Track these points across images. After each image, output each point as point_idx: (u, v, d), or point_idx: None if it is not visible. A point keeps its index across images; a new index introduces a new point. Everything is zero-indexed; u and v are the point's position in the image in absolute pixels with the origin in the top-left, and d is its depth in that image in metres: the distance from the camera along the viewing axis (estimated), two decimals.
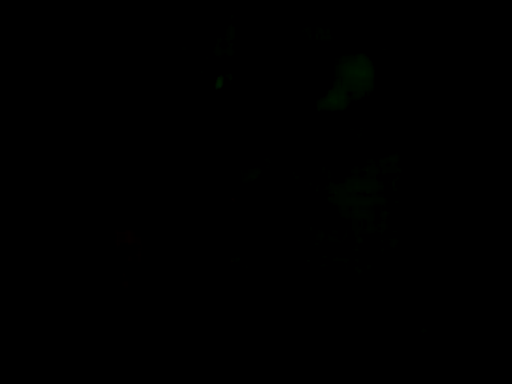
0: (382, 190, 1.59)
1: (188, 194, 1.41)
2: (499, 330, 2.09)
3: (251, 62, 1.42)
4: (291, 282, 1.49)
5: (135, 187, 1.48)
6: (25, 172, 1.51)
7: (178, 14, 1.48)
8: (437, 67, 2.05)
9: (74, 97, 1.47)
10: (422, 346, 1.78)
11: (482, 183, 2.24)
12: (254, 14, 1.45)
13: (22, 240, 1.58)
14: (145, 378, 1.44)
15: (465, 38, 2.11)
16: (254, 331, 1.39)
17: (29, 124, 1.52)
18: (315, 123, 1.47)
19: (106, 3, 1.46)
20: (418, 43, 1.99)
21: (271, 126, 1.37)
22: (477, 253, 2.23)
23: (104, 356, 1.45)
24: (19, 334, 1.57)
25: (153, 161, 1.42)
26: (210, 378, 1.41)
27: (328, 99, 1.51)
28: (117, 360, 1.44)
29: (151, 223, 1.52)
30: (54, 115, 1.50)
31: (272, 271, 1.46)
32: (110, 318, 1.45)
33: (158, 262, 1.51)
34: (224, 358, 1.39)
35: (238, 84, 1.40)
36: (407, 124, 1.70)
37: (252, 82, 1.40)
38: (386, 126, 1.57)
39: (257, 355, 1.41)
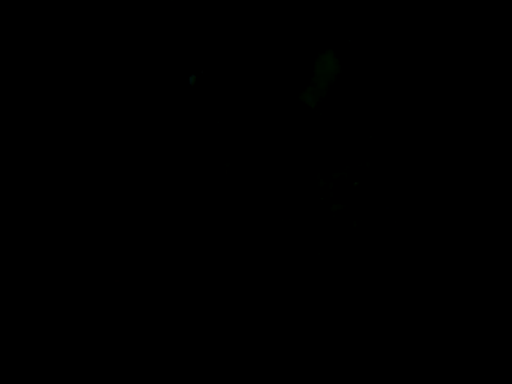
0: (349, 168, 1.63)
1: (167, 192, 1.44)
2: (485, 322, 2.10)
3: (224, 58, 1.47)
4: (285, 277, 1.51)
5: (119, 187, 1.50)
6: (24, 176, 1.52)
7: (152, 10, 1.51)
8: (406, 61, 2.07)
9: (59, 95, 1.50)
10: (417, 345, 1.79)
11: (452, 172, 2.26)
12: (229, 10, 1.49)
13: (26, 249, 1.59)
14: (145, 377, 1.45)
15: (437, 32, 2.13)
16: (251, 326, 1.41)
17: (27, 124, 1.53)
18: (286, 120, 1.51)
19: None
20: (392, 38, 2.00)
21: (243, 123, 1.41)
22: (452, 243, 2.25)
23: (104, 356, 1.45)
24: (19, 334, 1.57)
25: (132, 158, 1.45)
26: (210, 377, 1.41)
27: (299, 95, 1.55)
28: (117, 360, 1.44)
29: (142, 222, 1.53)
30: (43, 115, 1.52)
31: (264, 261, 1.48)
32: (110, 317, 1.45)
33: (158, 261, 1.52)
34: (224, 357, 1.40)
35: (211, 81, 1.44)
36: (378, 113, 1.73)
37: (224, 79, 1.44)
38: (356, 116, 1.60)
39: (257, 354, 1.42)
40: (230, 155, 1.44)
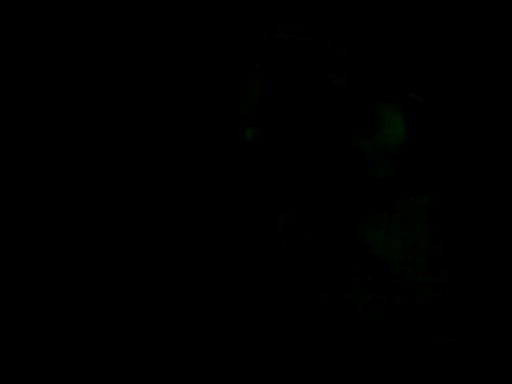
0: (412, 233, 1.57)
1: (217, 246, 1.41)
2: None
3: (278, 113, 1.42)
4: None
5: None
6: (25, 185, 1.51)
7: (202, 65, 1.48)
8: (470, 107, 2.05)
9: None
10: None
11: None
12: (279, 64, 1.45)
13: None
14: (145, 377, 1.43)
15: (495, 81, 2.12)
16: (255, 331, 1.38)
17: (29, 126, 1.51)
18: (341, 169, 1.46)
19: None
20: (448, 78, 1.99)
21: (300, 176, 1.37)
22: None
23: (104, 356, 1.44)
24: (19, 335, 1.56)
25: (184, 211, 1.42)
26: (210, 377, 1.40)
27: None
28: (117, 360, 1.42)
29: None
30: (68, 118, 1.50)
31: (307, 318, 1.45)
32: (109, 317, 1.43)
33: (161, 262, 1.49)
34: (225, 358, 1.38)
35: (268, 136, 1.40)
36: (437, 163, 1.69)
37: (280, 134, 1.40)
38: (416, 167, 1.55)
39: (258, 355, 1.39)
40: (282, 210, 1.40)
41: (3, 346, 1.56)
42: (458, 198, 2.00)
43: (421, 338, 1.55)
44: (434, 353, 1.63)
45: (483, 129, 2.13)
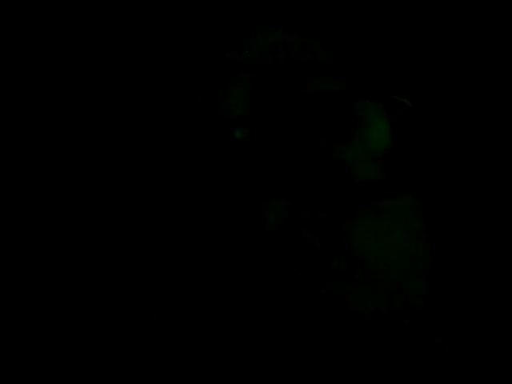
0: (399, 230, 1.58)
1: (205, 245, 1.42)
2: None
3: (267, 113, 1.44)
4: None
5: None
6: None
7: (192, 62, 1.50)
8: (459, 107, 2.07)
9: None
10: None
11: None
12: (268, 68, 1.47)
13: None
14: (144, 377, 1.44)
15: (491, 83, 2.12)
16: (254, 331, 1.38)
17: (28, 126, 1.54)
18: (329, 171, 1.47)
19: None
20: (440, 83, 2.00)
21: (287, 174, 1.38)
22: None
23: (103, 355, 1.45)
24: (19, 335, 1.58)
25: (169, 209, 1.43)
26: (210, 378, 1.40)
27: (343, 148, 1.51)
28: (116, 360, 1.44)
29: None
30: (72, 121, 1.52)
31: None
32: (108, 317, 1.45)
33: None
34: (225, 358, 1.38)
35: (256, 136, 1.42)
36: (424, 164, 1.70)
37: (269, 134, 1.41)
38: (402, 168, 1.56)
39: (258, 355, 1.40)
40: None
41: (3, 345, 1.58)
42: (447, 199, 2.01)
43: (410, 338, 1.56)
44: (424, 352, 1.64)
45: (472, 128, 2.14)
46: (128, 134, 1.51)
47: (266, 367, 1.41)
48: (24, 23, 1.55)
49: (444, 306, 1.72)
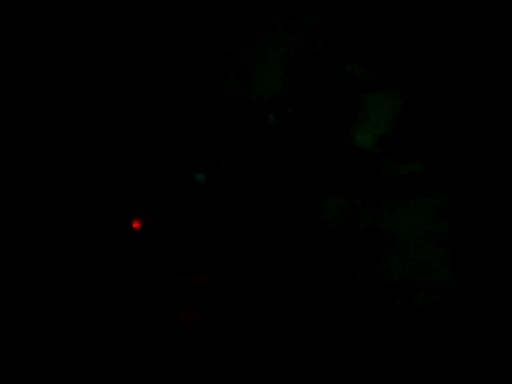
0: (432, 223, 1.64)
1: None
2: None
3: (299, 99, 1.50)
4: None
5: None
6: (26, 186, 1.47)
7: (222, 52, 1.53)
8: (470, 98, 2.05)
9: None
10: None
11: None
12: (301, 54, 1.52)
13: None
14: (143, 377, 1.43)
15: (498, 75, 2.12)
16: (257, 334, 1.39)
17: (29, 125, 1.49)
18: (345, 159, 1.52)
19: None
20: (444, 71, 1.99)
21: (302, 164, 1.44)
22: None
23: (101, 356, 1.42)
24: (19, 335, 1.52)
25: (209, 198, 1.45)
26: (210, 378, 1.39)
27: (353, 137, 1.55)
28: (115, 360, 1.40)
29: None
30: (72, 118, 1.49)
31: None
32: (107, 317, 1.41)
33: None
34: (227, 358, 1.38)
35: (289, 120, 1.47)
36: (452, 156, 1.74)
37: (300, 119, 1.47)
38: (428, 161, 1.62)
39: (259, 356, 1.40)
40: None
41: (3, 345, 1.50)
42: (473, 197, 2.05)
43: (419, 336, 1.59)
44: (432, 352, 1.66)
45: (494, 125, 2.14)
46: (159, 126, 1.53)
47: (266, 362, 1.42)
48: (24, 23, 1.55)
49: (470, 284, 1.73)
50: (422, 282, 1.63)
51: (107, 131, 1.50)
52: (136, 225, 1.57)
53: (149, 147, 1.49)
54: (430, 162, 1.67)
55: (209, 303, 1.51)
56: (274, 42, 1.50)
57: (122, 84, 1.48)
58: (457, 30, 2.03)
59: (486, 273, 2.04)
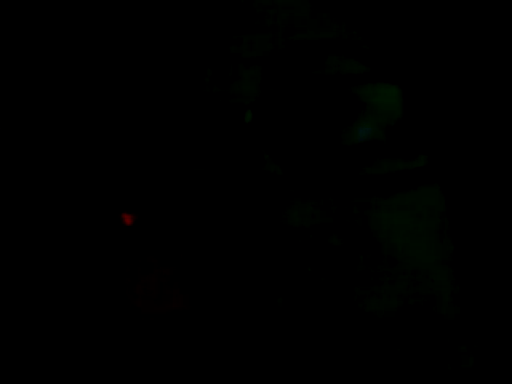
0: (423, 222, 1.53)
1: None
2: None
3: (278, 97, 1.41)
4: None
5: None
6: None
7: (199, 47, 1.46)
8: (472, 92, 2.03)
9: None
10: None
11: None
12: (279, 49, 1.44)
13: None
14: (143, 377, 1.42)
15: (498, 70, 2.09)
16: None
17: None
18: (344, 156, 1.43)
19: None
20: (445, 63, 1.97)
21: (297, 161, 1.34)
22: None
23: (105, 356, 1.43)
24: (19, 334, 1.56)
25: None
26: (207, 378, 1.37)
27: (354, 131, 1.47)
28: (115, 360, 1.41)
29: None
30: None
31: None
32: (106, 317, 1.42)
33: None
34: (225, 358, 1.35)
35: (266, 118, 1.39)
36: (445, 151, 1.66)
37: (279, 117, 1.38)
38: (422, 154, 1.52)
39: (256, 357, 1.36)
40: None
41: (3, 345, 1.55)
42: (470, 191, 1.97)
43: (437, 328, 1.51)
44: (439, 354, 1.59)
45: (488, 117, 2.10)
46: (132, 127, 1.47)
47: (283, 364, 1.37)
48: (24, 23, 1.51)
49: (471, 297, 1.68)
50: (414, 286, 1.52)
51: (92, 125, 1.46)
52: (128, 221, 1.54)
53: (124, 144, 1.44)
54: (429, 158, 1.58)
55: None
56: (251, 39, 1.40)
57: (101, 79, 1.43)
58: (454, 23, 1.96)
59: (484, 274, 1.99)
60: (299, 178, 1.29)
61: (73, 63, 1.50)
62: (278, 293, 1.32)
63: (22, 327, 1.51)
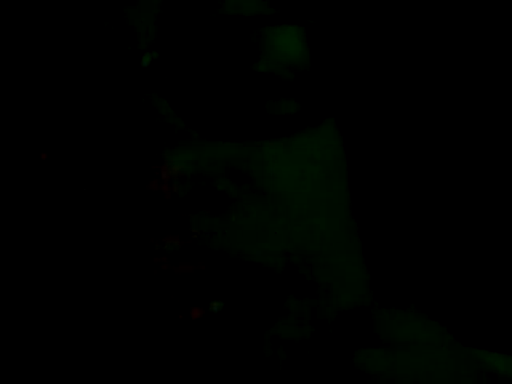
0: (317, 160, 1.48)
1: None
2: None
3: (176, 38, 1.35)
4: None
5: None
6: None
7: None
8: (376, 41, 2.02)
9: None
10: None
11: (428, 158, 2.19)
12: None
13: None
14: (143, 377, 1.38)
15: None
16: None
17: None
18: (240, 96, 1.38)
19: None
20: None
21: (199, 102, 1.30)
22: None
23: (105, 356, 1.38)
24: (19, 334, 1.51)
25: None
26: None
27: (253, 70, 1.42)
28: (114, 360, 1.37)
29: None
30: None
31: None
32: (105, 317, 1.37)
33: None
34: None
35: (165, 61, 1.33)
36: (342, 95, 1.63)
37: (178, 59, 1.33)
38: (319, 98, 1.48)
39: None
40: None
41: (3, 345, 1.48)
42: (367, 133, 1.96)
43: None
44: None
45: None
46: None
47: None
48: (23, 23, 1.44)
49: (365, 248, 1.66)
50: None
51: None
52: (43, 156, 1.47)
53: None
54: (328, 103, 1.53)
55: None
56: None
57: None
58: None
59: (381, 224, 1.98)
60: (187, 122, 1.24)
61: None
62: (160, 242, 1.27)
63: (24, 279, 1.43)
